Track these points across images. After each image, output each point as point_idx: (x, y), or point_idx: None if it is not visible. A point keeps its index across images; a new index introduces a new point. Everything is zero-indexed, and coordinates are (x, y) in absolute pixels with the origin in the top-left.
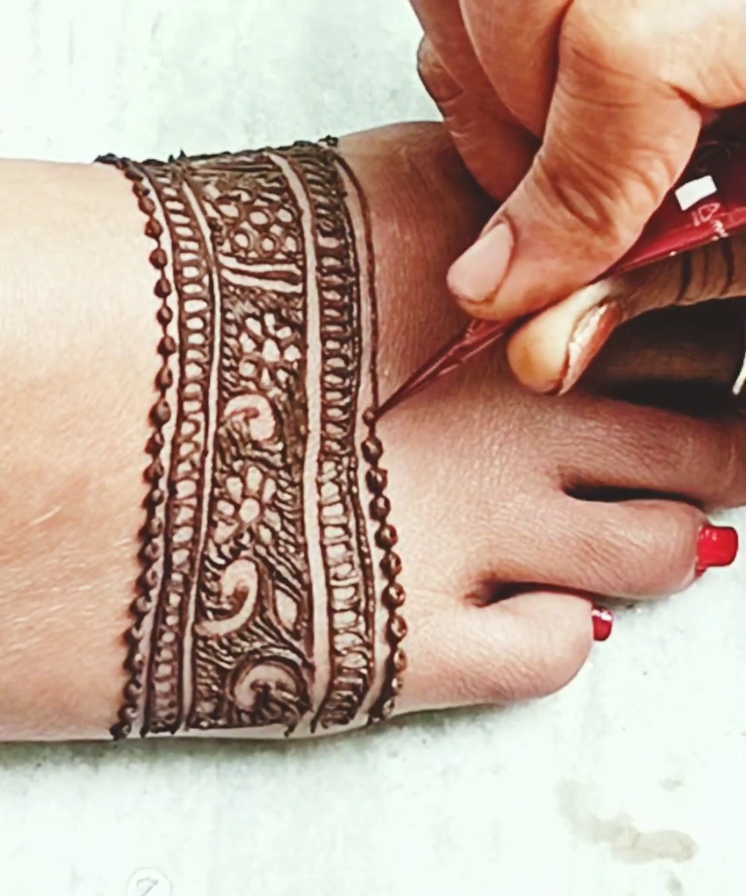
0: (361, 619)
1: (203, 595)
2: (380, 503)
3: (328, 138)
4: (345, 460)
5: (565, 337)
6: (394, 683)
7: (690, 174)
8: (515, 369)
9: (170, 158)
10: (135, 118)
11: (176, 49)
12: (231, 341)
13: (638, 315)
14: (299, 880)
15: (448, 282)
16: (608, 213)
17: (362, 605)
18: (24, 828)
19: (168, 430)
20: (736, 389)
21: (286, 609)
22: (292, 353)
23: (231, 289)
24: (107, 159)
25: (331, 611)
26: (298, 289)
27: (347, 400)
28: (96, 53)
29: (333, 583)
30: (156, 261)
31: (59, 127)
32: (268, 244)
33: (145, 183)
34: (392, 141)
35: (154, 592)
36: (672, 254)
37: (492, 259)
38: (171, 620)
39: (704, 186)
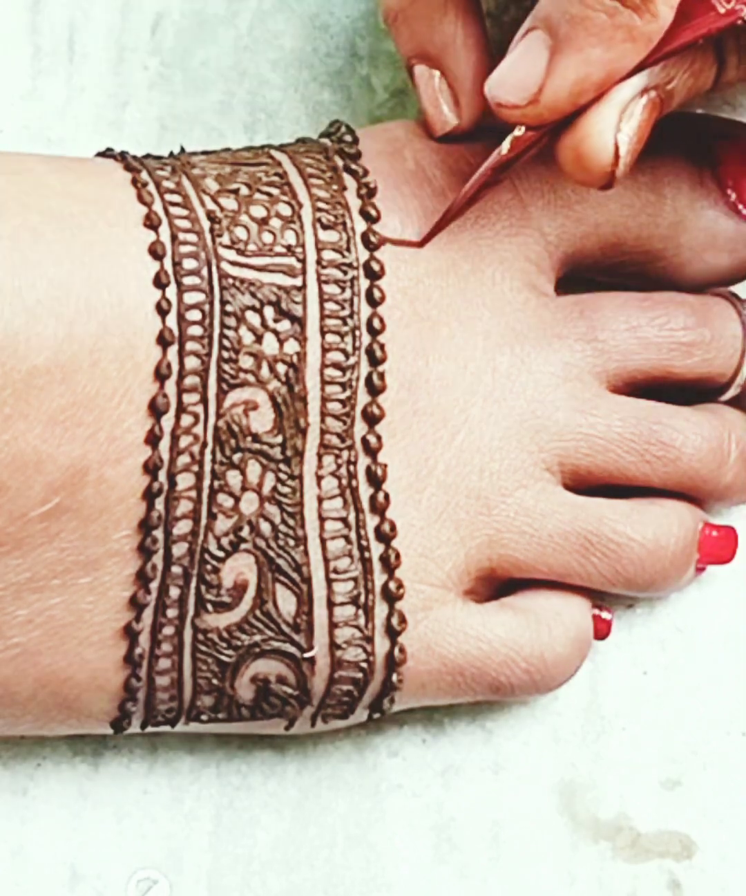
0: (361, 612)
1: (203, 588)
2: (380, 497)
3: (330, 134)
4: (345, 454)
5: (612, 129)
6: (395, 678)
7: None
8: (568, 169)
9: (170, 154)
10: (135, 118)
11: (176, 49)
12: (230, 333)
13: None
14: (299, 880)
15: (487, 95)
16: None
17: (362, 598)
18: (24, 828)
19: (167, 421)
20: (736, 390)
21: (286, 602)
22: (291, 346)
23: (230, 281)
24: (106, 153)
25: (330, 604)
26: (298, 282)
27: (347, 393)
28: (96, 53)
29: (333, 576)
30: (155, 252)
31: (59, 127)
32: (267, 237)
33: (144, 175)
34: (395, 137)
35: (154, 585)
36: (701, 41)
37: (531, 62)
38: (171, 613)
39: None
